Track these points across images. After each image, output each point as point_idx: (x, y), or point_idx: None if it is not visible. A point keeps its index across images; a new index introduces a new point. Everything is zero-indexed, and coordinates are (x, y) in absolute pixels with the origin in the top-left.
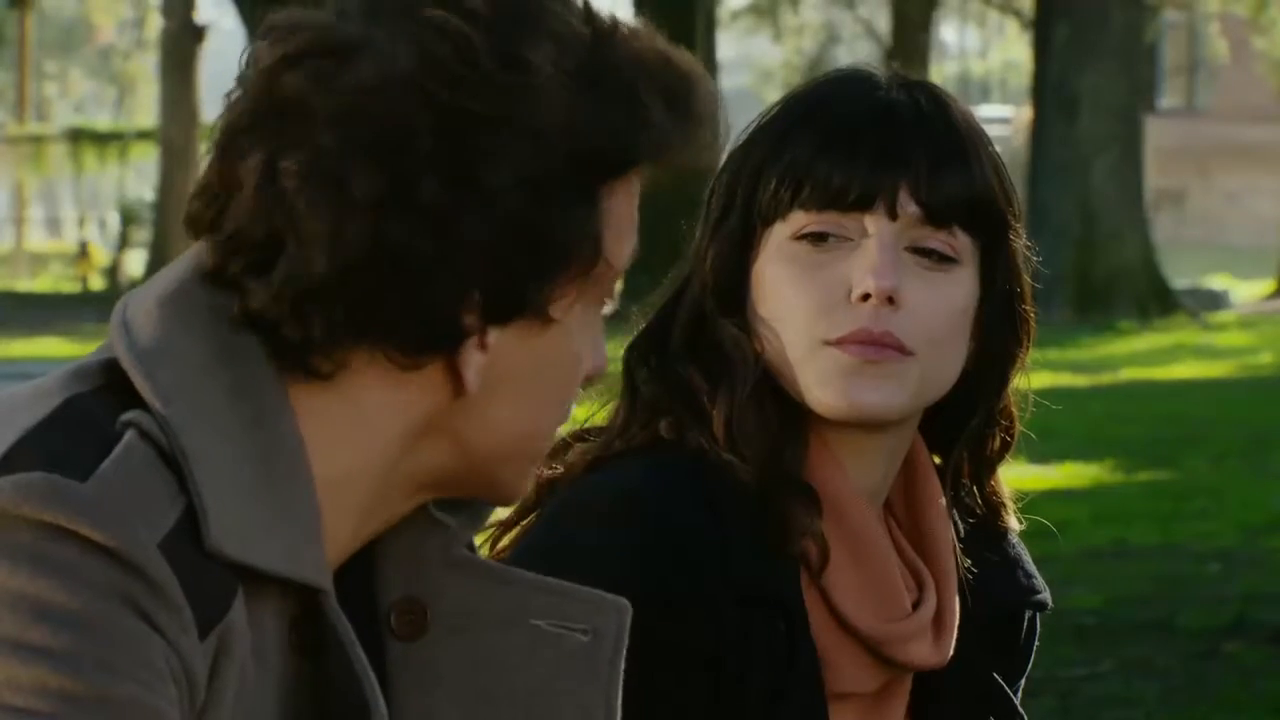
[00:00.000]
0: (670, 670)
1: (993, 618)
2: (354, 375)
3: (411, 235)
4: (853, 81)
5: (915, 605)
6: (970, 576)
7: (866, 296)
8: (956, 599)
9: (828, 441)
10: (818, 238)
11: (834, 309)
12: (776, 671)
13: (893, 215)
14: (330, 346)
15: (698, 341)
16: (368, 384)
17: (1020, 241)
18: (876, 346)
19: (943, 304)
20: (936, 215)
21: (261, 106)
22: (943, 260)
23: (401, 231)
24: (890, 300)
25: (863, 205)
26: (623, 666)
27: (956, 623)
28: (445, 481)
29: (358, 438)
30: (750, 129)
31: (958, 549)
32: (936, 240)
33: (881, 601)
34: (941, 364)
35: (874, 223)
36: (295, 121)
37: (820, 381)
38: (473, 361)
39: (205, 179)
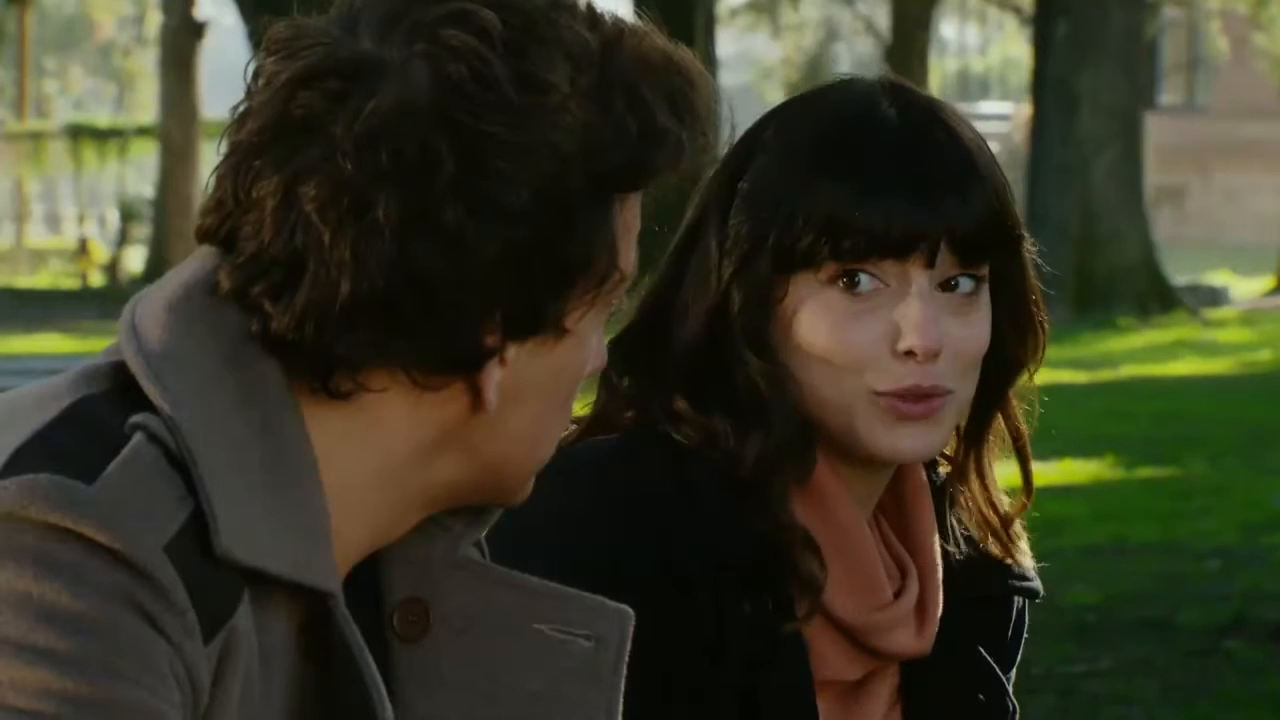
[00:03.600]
0: (655, 645)
1: (982, 605)
2: (373, 393)
3: (434, 258)
4: (869, 115)
5: (898, 594)
6: (960, 563)
7: (911, 352)
8: (940, 588)
9: (831, 463)
10: (855, 284)
11: (879, 361)
12: (761, 652)
13: (931, 263)
14: (352, 368)
15: (702, 375)
16: (386, 401)
17: (1031, 254)
18: (927, 401)
19: (975, 339)
20: (970, 258)
21: (275, 126)
22: (970, 293)
23: (424, 255)
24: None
25: (901, 255)
26: (624, 674)
27: (939, 611)
28: (457, 494)
29: (371, 449)
30: (761, 155)
31: (946, 536)
32: (966, 276)
33: (863, 591)
34: (970, 388)
35: (912, 271)
36: (312, 144)
37: (868, 430)
38: (493, 379)
39: (216, 195)
